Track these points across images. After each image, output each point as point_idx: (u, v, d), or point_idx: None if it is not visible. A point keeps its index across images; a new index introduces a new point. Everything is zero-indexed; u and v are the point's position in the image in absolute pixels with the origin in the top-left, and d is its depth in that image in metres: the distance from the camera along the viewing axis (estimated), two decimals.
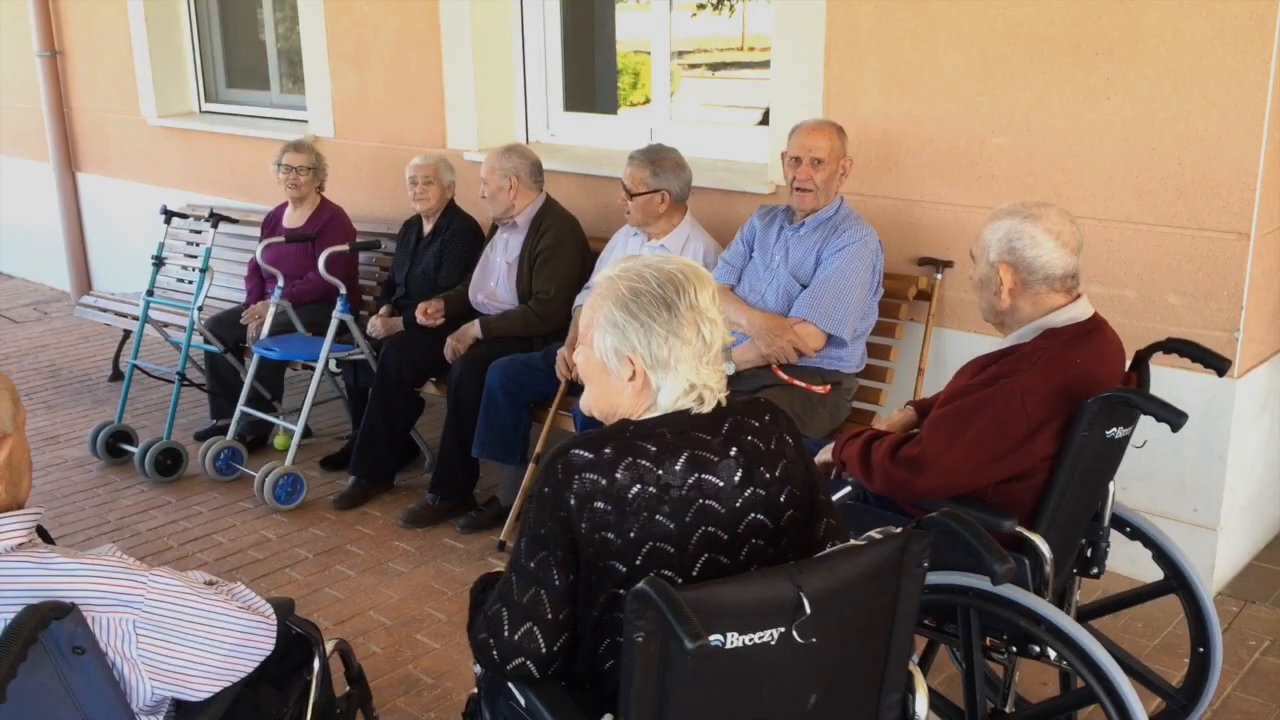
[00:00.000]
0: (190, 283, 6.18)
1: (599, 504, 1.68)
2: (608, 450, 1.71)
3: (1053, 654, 2.21)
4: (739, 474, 1.75)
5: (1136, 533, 2.61)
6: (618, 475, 1.69)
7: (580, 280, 4.39)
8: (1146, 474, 3.54)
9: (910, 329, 3.94)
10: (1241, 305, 3.34)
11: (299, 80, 6.62)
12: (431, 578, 3.82)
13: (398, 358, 4.38)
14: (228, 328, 5.10)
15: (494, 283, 4.49)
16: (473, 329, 4.31)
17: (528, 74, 5.38)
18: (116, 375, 6.13)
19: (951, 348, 3.92)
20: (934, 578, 2.25)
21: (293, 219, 5.27)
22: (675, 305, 1.73)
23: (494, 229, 4.58)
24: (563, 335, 4.31)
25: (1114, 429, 2.26)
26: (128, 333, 6.04)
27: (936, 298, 3.89)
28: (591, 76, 5.89)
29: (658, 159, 4.02)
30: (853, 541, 1.64)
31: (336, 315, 4.44)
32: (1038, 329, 2.33)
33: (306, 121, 6.25)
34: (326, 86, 5.95)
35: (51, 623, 1.48)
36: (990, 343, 3.80)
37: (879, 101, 3.93)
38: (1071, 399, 2.20)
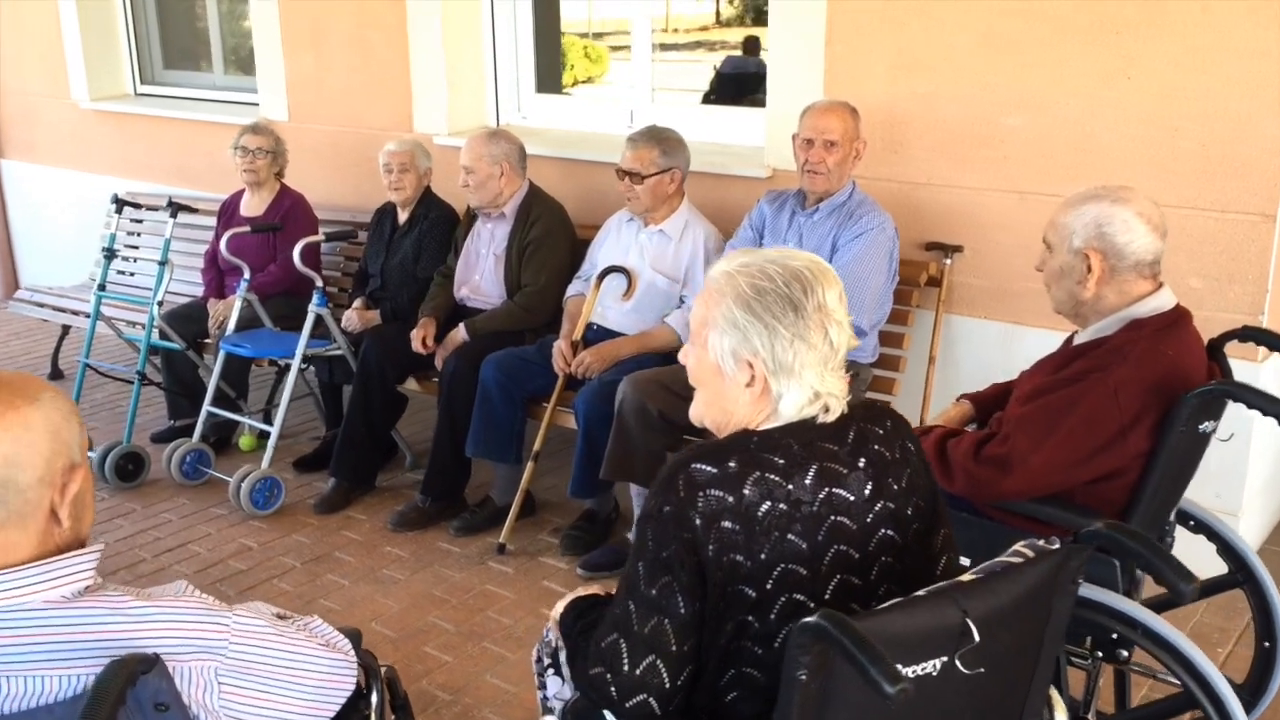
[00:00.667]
0: (131, 275, 5.88)
1: (726, 523, 1.53)
2: (732, 464, 1.56)
3: (1126, 656, 2.12)
4: (869, 487, 1.61)
5: (1200, 526, 2.54)
6: (745, 491, 1.54)
7: (570, 270, 4.21)
8: None
9: (919, 316, 3.85)
10: (1267, 289, 3.29)
11: (244, 61, 6.32)
12: (431, 585, 3.63)
13: (379, 353, 4.17)
14: (185, 323, 4.82)
15: (479, 276, 4.29)
16: (458, 334, 4.11)
17: (498, 54, 5.16)
18: (55, 374, 5.79)
19: (961, 334, 3.84)
20: None
21: (251, 206, 5.00)
22: (802, 306, 1.59)
23: (472, 219, 4.37)
24: (554, 326, 4.14)
25: (1206, 422, 2.17)
26: (67, 329, 5.71)
27: (946, 283, 3.79)
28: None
29: (663, 137, 3.86)
30: (1008, 557, 1.52)
31: (313, 309, 4.21)
32: (1122, 320, 2.22)
33: (254, 105, 5.96)
34: (279, 68, 5.66)
35: (138, 678, 1.28)
36: (998, 329, 3.77)
37: (884, 81, 3.81)
38: (1164, 393, 2.10)
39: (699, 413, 1.72)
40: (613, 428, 3.48)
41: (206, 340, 4.83)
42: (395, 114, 5.26)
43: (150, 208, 5.44)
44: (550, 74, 5.42)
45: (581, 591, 1.92)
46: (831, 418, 1.63)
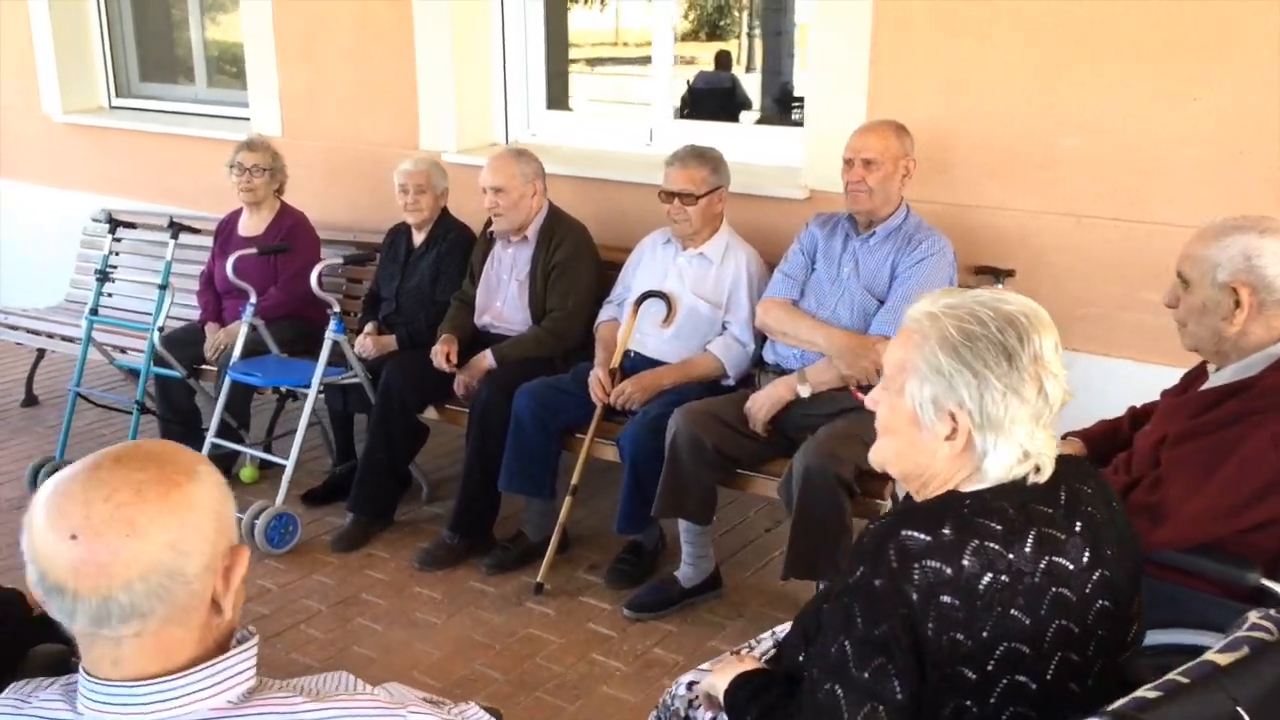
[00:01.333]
0: (109, 296, 5.60)
1: (946, 598, 1.38)
2: (947, 530, 1.41)
3: None
4: (1086, 553, 1.47)
5: None
6: (964, 562, 1.39)
7: (596, 294, 4.05)
8: None
9: None
10: None
11: (230, 73, 6.09)
12: (469, 628, 3.43)
13: (401, 382, 3.97)
14: (181, 348, 4.57)
15: (500, 302, 4.11)
16: (484, 361, 3.92)
17: (508, 68, 4.99)
18: (30, 400, 5.51)
19: None
20: (1159, 637, 2.02)
21: (249, 226, 4.77)
22: (1017, 355, 1.44)
23: (489, 242, 4.18)
24: (583, 352, 3.97)
25: None
26: (41, 353, 5.43)
27: None
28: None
29: (710, 155, 3.72)
30: (1250, 631, 1.38)
31: (330, 335, 3.99)
32: (1270, 357, 2.11)
33: (240, 118, 5.73)
34: (273, 81, 5.44)
35: None
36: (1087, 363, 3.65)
37: (932, 101, 3.70)
38: None
39: (883, 459, 1.57)
40: (665, 462, 3.31)
41: (203, 366, 4.59)
42: (399, 129, 5.07)
43: (146, 227, 5.18)
44: (559, 90, 5.26)
45: (743, 667, 1.74)
46: (1043, 478, 1.49)
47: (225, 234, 4.83)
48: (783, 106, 7.73)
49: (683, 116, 6.81)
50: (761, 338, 3.64)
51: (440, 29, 4.81)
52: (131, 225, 4.88)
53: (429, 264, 4.30)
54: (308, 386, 4.00)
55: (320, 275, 4.02)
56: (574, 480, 3.68)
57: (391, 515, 4.11)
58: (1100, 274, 3.54)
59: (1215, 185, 3.30)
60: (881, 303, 3.34)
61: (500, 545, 3.83)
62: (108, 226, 4.69)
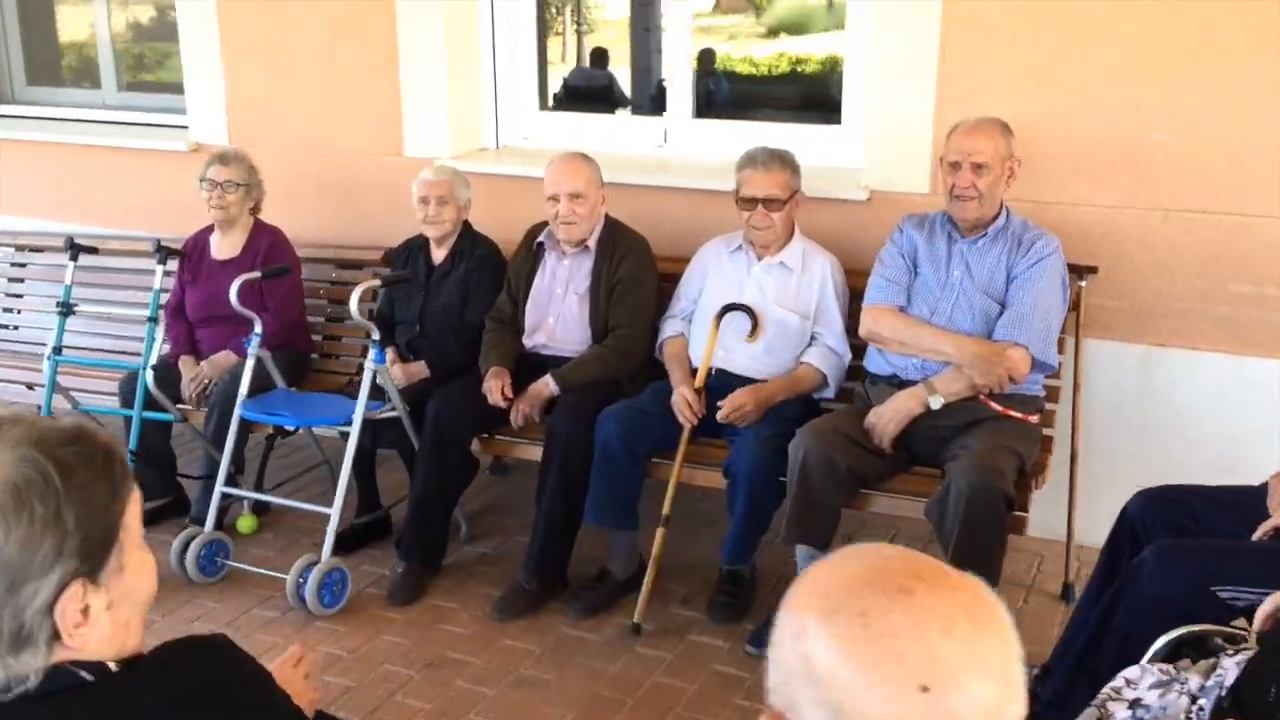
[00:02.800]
0: (16, 329, 4.98)
1: None
2: None
3: None
4: None
5: None
6: None
7: (659, 308, 3.79)
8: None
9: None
10: None
11: (148, 76, 5.52)
12: (587, 683, 3.14)
13: (452, 413, 3.61)
14: (159, 387, 4.06)
15: (554, 320, 3.80)
16: (545, 387, 3.61)
17: (497, 67, 4.65)
18: None
19: (1099, 358, 3.68)
20: None
21: (223, 248, 4.29)
22: None
23: (534, 254, 3.86)
24: (650, 372, 3.72)
25: None
26: None
27: (1083, 306, 3.62)
28: None
29: (787, 157, 3.54)
30: None
31: (371, 366, 3.60)
32: None
33: (169, 126, 5.19)
34: (218, 85, 4.92)
35: None
36: (1138, 351, 3.63)
37: (1007, 99, 3.60)
38: None
39: None
40: (795, 486, 3.10)
41: (179, 406, 4.09)
42: (379, 135, 4.66)
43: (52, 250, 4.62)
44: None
45: None
46: None
47: (195, 257, 4.32)
48: (657, 104, 7.60)
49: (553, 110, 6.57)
50: (859, 347, 3.48)
51: (430, 24, 4.44)
52: (93, 250, 4.28)
53: (456, 282, 3.94)
54: (348, 425, 3.59)
55: (361, 300, 3.59)
56: (665, 509, 3.42)
57: (443, 560, 3.74)
58: (1187, 268, 3.53)
59: None
60: (1001, 306, 3.23)
61: (585, 586, 3.53)
62: (69, 252, 4.10)
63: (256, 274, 3.91)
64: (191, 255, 4.33)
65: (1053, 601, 3.51)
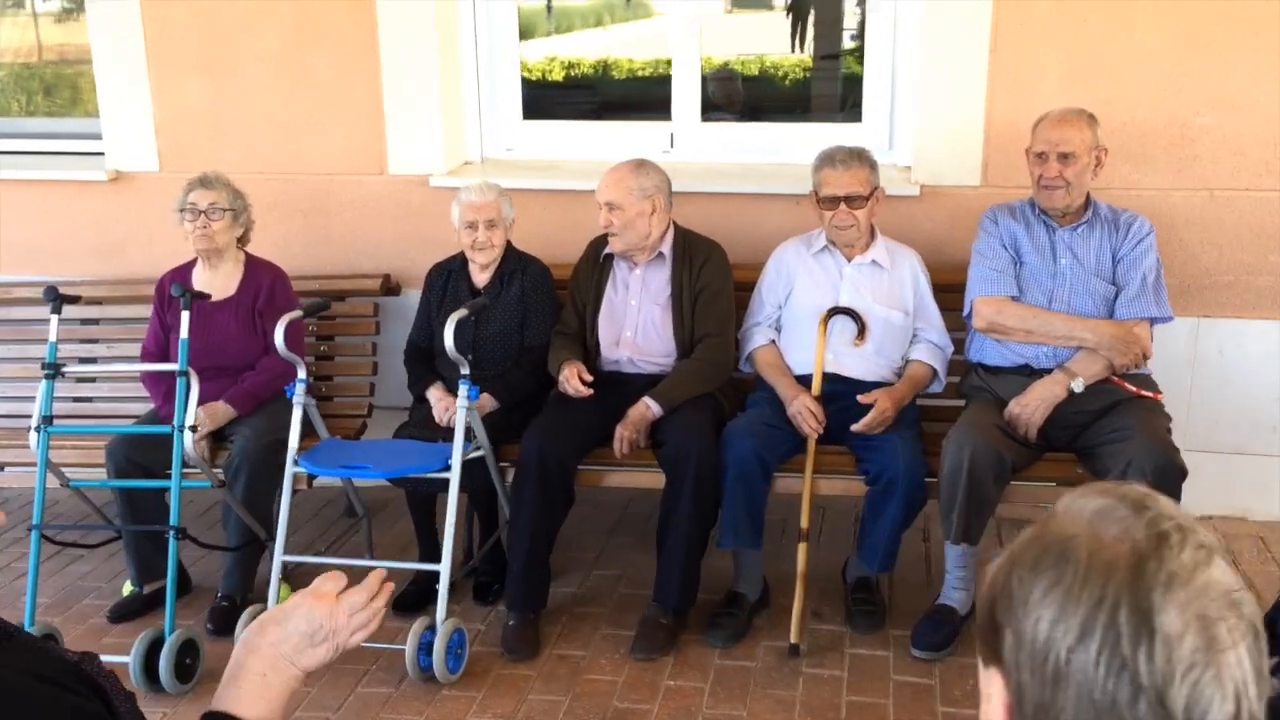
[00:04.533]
0: None
1: None
2: None
3: None
4: None
5: None
6: None
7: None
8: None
9: None
10: None
11: (44, 95, 4.82)
12: (785, 713, 2.98)
13: (555, 443, 3.35)
14: (141, 449, 3.56)
15: (631, 332, 3.59)
16: (647, 410, 3.40)
17: (480, 74, 4.35)
18: None
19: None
20: None
21: (215, 285, 3.77)
22: None
23: (602, 266, 3.65)
24: (733, 383, 3.60)
25: None
26: None
27: None
28: None
29: (866, 153, 3.49)
30: None
31: (464, 403, 3.27)
32: None
33: (70, 154, 4.56)
34: (143, 101, 4.34)
35: None
36: (1186, 325, 3.82)
37: (1057, 88, 3.71)
38: None
39: None
40: (965, 486, 3.07)
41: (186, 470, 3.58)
42: (356, 153, 4.26)
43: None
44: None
45: None
46: None
47: (178, 301, 3.77)
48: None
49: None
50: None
51: (418, 27, 4.09)
52: (74, 299, 3.64)
53: (509, 306, 3.66)
54: (445, 470, 3.25)
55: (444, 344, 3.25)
56: (804, 523, 3.31)
57: (545, 604, 3.46)
58: (1233, 243, 3.76)
59: None
60: (1114, 287, 3.33)
61: (720, 613, 3.36)
62: (51, 304, 3.47)
63: (299, 312, 3.47)
64: (169, 299, 3.78)
65: None
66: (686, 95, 4.28)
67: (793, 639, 3.24)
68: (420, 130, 4.19)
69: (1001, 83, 3.77)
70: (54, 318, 3.45)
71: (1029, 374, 3.31)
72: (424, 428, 3.54)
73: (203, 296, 3.51)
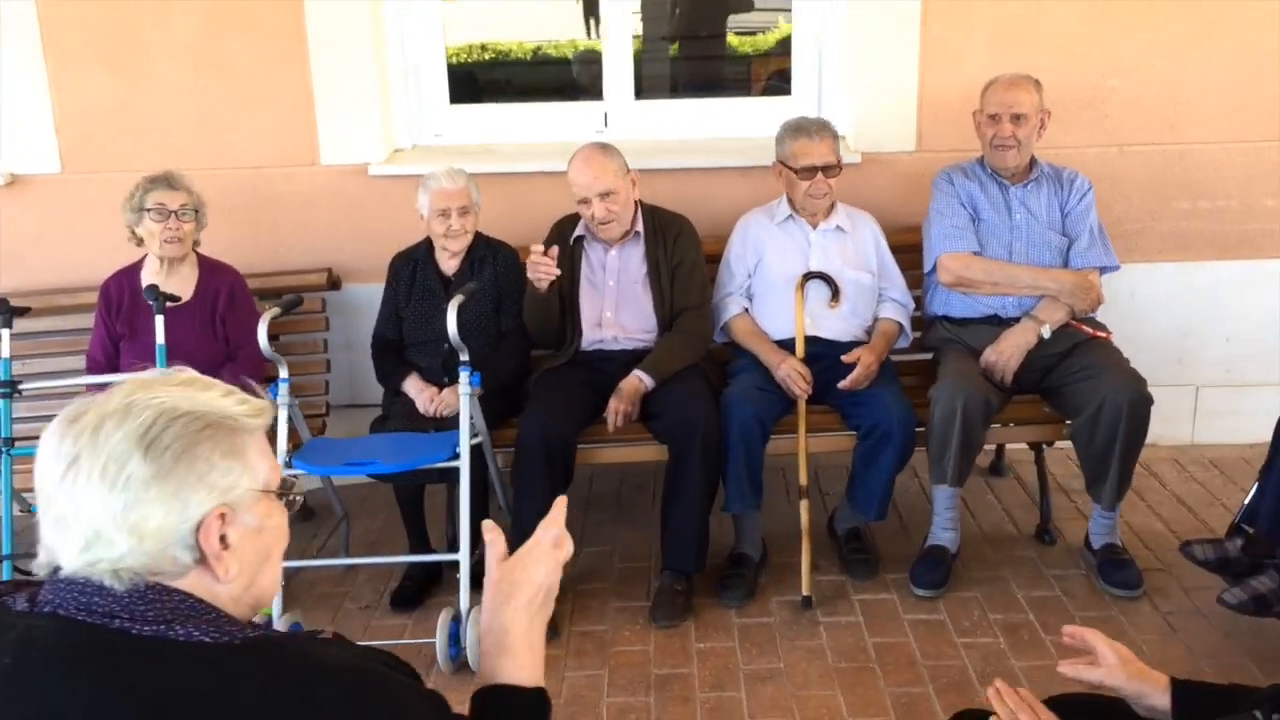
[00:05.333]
0: None
1: None
2: None
3: None
4: None
5: None
6: None
7: None
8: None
9: None
10: None
11: None
12: (832, 660, 3.09)
13: (558, 424, 3.36)
14: None
15: (612, 312, 3.63)
16: (640, 382, 3.46)
17: (406, 59, 4.27)
18: None
19: None
20: None
21: (168, 288, 3.56)
22: None
23: (576, 245, 3.67)
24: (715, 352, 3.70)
25: None
26: None
27: None
28: None
29: (830, 124, 3.63)
30: None
31: (467, 390, 3.24)
32: None
33: None
34: (41, 99, 4.05)
35: None
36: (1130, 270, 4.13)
37: (984, 58, 3.95)
38: None
39: None
40: (959, 432, 3.27)
41: None
42: (284, 144, 4.11)
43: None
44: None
45: None
46: None
47: (125, 303, 3.60)
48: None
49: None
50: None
51: (351, 12, 3.98)
52: (24, 311, 3.36)
53: (483, 291, 3.62)
54: (454, 459, 3.21)
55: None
56: (803, 481, 3.45)
57: None
58: (1140, 193, 4.12)
59: (1233, 105, 4.02)
60: (1065, 239, 3.60)
61: (729, 574, 3.46)
62: (1, 318, 3.20)
63: (276, 310, 3.34)
64: (118, 302, 3.59)
65: None
66: (620, 74, 4.32)
67: (805, 592, 3.37)
68: (354, 118, 4.08)
69: (932, 54, 3.99)
70: (4, 332, 3.20)
71: (997, 323, 3.54)
72: (408, 420, 3.48)
73: (174, 299, 3.32)
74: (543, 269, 3.35)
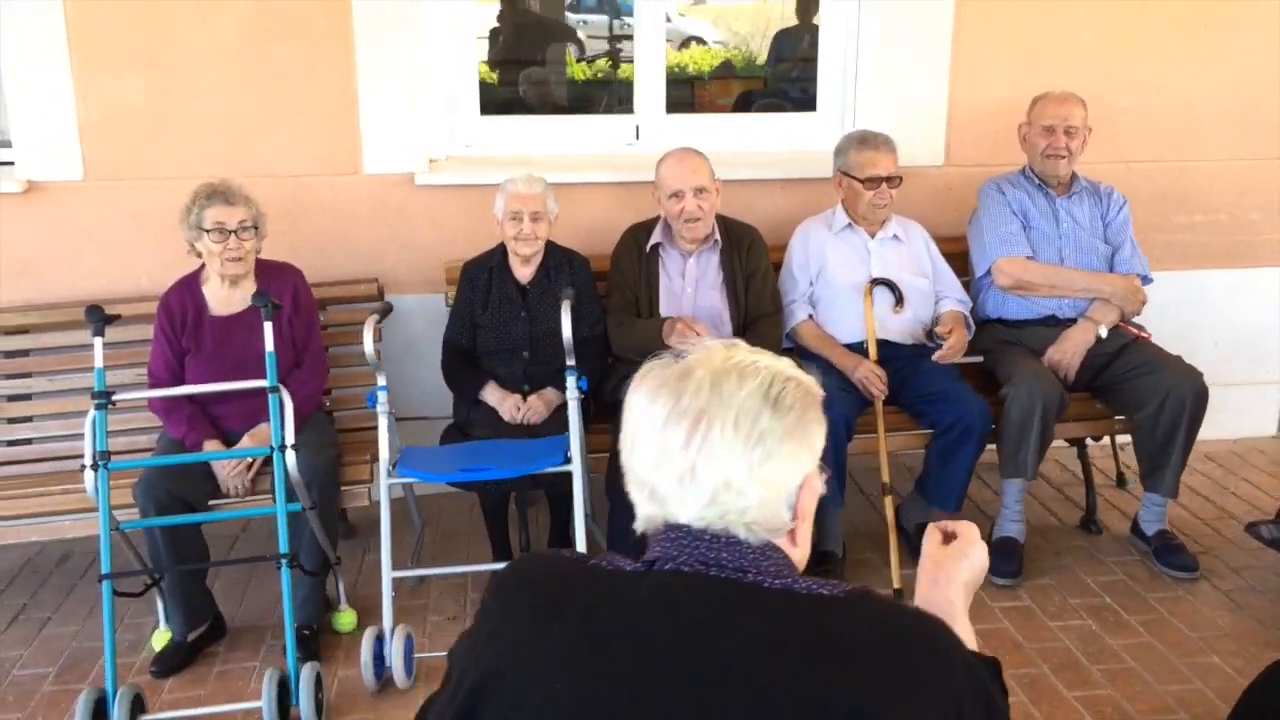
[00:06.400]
0: None
1: None
2: None
3: None
4: None
5: None
6: None
7: None
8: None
9: None
10: None
11: None
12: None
13: None
14: (182, 483, 3.23)
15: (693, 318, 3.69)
16: None
17: (441, 68, 4.23)
18: None
19: None
20: None
21: (232, 302, 3.46)
22: None
23: (647, 255, 3.72)
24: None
25: None
26: None
27: None
28: None
29: (891, 139, 3.78)
30: None
31: (574, 394, 3.25)
32: None
33: None
34: (66, 100, 3.86)
35: None
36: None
37: (1008, 77, 4.21)
38: None
39: None
40: (1038, 426, 3.46)
41: (216, 501, 3.31)
42: (327, 152, 4.03)
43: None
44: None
45: None
46: None
47: (189, 319, 3.43)
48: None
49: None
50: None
51: (394, 16, 3.93)
52: (115, 318, 3.16)
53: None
54: (567, 464, 3.20)
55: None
56: (886, 478, 3.58)
57: None
58: (1143, 208, 4.39)
59: (1235, 128, 4.37)
60: (1109, 247, 3.84)
61: (820, 572, 3.54)
62: (93, 326, 3.02)
63: (376, 315, 3.29)
64: (181, 317, 3.43)
65: None
66: (651, 88, 4.39)
67: (895, 585, 3.49)
68: (398, 126, 4.03)
69: (962, 72, 4.21)
70: (97, 340, 3.03)
71: (1054, 324, 3.75)
72: (494, 428, 3.45)
73: (278, 306, 3.21)
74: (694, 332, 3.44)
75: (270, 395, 3.06)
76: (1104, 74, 4.27)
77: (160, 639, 3.33)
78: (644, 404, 1.24)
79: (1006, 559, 3.59)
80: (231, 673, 3.23)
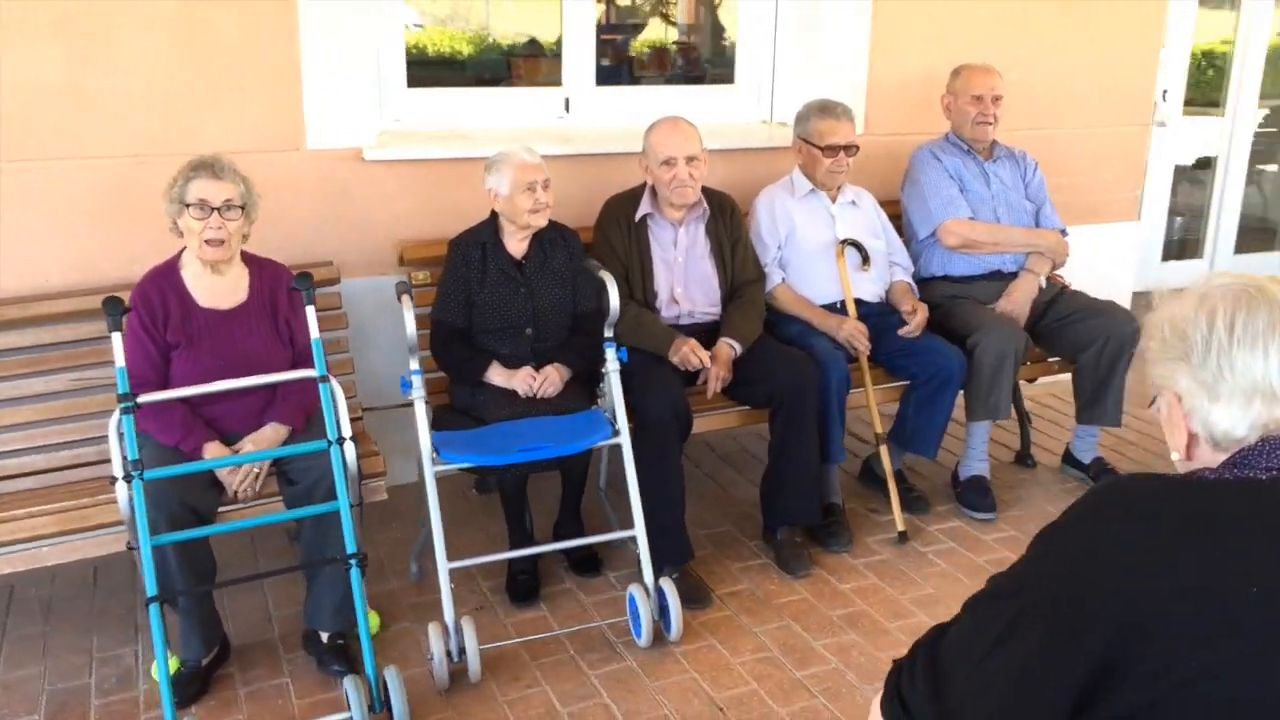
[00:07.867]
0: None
1: None
2: None
3: None
4: None
5: None
6: None
7: None
8: None
9: None
10: (1144, 170, 5.12)
11: None
12: (964, 583, 3.44)
13: (680, 399, 3.41)
14: (190, 491, 2.96)
15: (682, 288, 3.72)
16: (731, 350, 3.60)
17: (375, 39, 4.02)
18: None
19: None
20: None
21: (220, 294, 3.14)
22: None
23: (634, 227, 3.71)
24: None
25: None
26: None
27: None
28: None
29: (850, 109, 3.96)
30: None
31: (614, 366, 3.21)
32: None
33: None
34: None
35: None
36: None
37: (919, 52, 4.52)
38: None
39: None
40: (1008, 372, 3.76)
41: (224, 509, 3.07)
42: (267, 127, 3.74)
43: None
44: None
45: None
46: None
47: (174, 312, 3.09)
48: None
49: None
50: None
51: None
52: (127, 310, 2.75)
53: (560, 274, 3.55)
54: (614, 436, 3.17)
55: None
56: (879, 428, 3.78)
57: None
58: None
59: (1098, 99, 4.88)
60: (1034, 206, 4.21)
61: (828, 522, 3.69)
62: (109, 320, 2.64)
63: (408, 296, 3.08)
64: (164, 310, 3.08)
65: None
66: (581, 60, 4.35)
67: (900, 528, 3.70)
68: (345, 99, 3.79)
69: (881, 47, 4.46)
70: (116, 335, 2.69)
71: (999, 278, 4.07)
72: (511, 407, 3.34)
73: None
74: (695, 359, 3.49)
75: (320, 385, 2.85)
76: (996, 49, 4.63)
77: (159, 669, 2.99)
78: (1242, 317, 1.31)
79: (982, 495, 3.88)
80: (263, 692, 2.97)
